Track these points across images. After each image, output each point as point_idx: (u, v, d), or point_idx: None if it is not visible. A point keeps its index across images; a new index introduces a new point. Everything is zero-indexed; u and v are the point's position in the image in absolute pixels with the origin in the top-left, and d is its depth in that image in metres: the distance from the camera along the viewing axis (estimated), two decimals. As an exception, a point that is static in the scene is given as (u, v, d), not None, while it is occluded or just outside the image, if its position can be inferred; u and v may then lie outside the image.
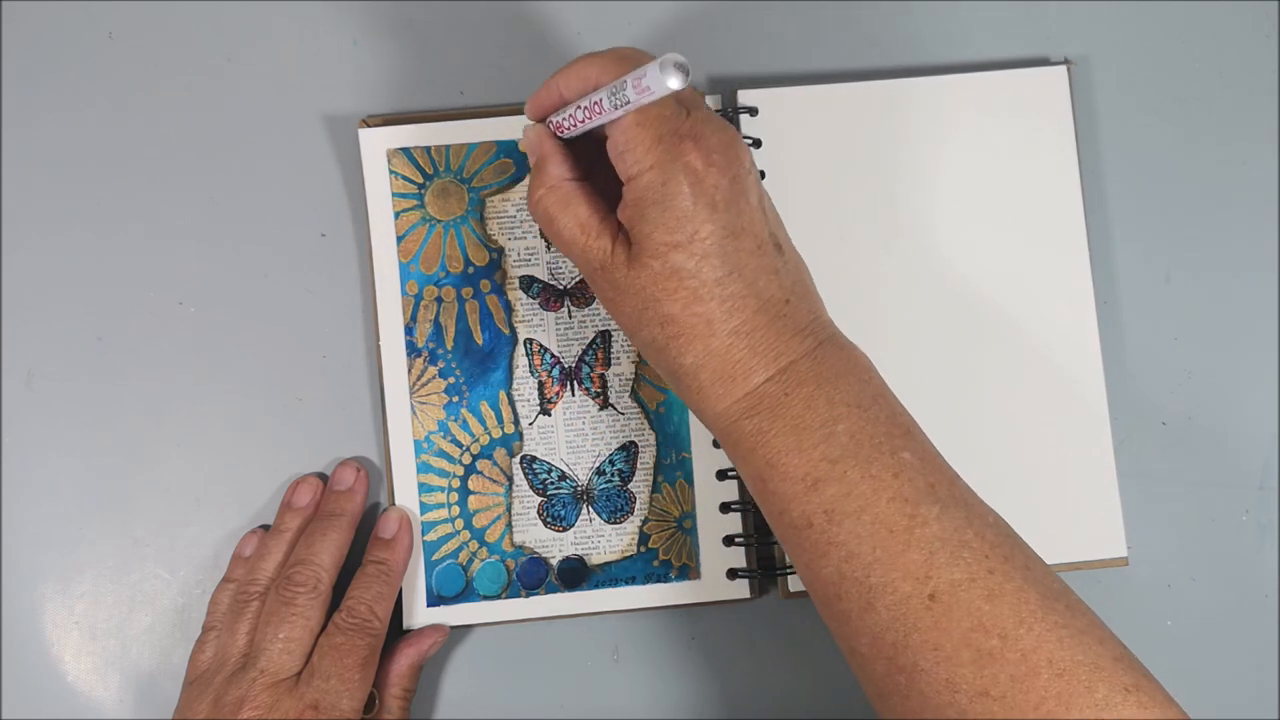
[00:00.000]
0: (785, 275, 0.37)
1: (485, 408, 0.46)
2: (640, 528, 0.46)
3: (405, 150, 0.47)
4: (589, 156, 0.39)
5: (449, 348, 0.46)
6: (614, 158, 0.36)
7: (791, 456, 0.35)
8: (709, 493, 0.46)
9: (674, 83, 0.32)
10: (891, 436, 0.35)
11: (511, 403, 0.46)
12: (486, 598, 0.45)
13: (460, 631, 0.46)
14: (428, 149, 0.47)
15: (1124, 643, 0.34)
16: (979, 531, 0.34)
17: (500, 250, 0.47)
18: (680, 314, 0.36)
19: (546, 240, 0.46)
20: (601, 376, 0.46)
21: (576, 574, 0.46)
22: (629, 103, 0.34)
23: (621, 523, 0.46)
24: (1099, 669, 0.32)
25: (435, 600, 0.45)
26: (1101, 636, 0.33)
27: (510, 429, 0.46)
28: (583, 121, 0.37)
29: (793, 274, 0.37)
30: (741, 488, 0.46)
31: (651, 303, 0.36)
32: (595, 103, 0.35)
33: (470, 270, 0.47)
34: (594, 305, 0.47)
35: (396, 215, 0.46)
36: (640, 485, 0.46)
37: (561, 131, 0.39)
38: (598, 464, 0.46)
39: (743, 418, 0.36)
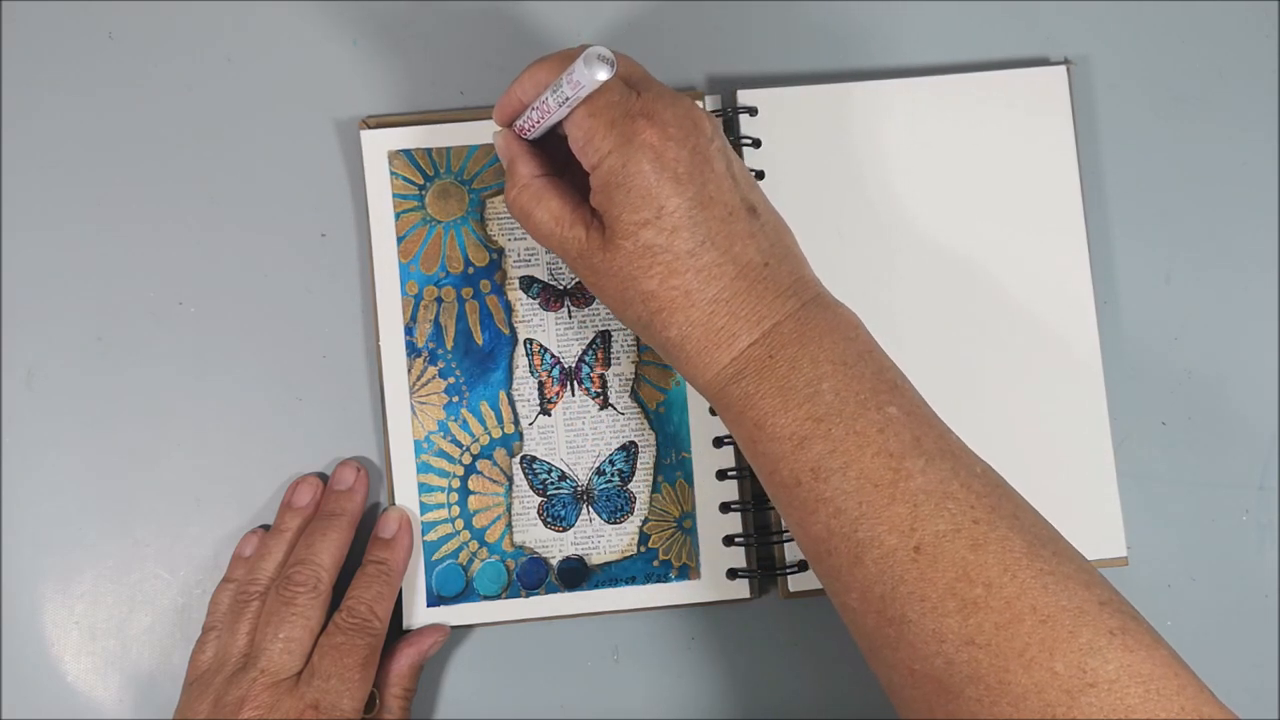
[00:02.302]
0: (762, 238, 0.37)
1: (485, 408, 0.46)
2: (640, 528, 0.46)
3: (406, 151, 0.47)
4: (562, 153, 0.40)
5: (449, 348, 0.46)
6: (576, 152, 0.37)
7: (778, 417, 0.35)
8: (709, 493, 0.46)
9: (600, 74, 0.34)
10: (877, 392, 0.35)
11: (511, 403, 0.46)
12: (486, 598, 0.45)
13: (460, 631, 0.46)
14: (428, 150, 0.47)
15: (1114, 587, 0.34)
16: (965, 482, 0.34)
17: (500, 251, 0.47)
18: (659, 289, 0.36)
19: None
20: (601, 376, 0.46)
21: (576, 574, 0.46)
22: (568, 99, 0.36)
23: (621, 523, 0.46)
24: (1083, 614, 0.32)
25: (435, 600, 0.45)
26: (1088, 581, 0.33)
27: (510, 429, 0.46)
28: (539, 122, 0.39)
29: (770, 236, 0.37)
30: (741, 488, 0.46)
31: (630, 282, 0.36)
32: (544, 103, 0.37)
33: (470, 271, 0.47)
34: (594, 305, 0.47)
35: (397, 216, 0.46)
36: (640, 485, 0.46)
37: (525, 134, 0.40)
38: (598, 464, 0.46)
39: (730, 383, 0.36)
